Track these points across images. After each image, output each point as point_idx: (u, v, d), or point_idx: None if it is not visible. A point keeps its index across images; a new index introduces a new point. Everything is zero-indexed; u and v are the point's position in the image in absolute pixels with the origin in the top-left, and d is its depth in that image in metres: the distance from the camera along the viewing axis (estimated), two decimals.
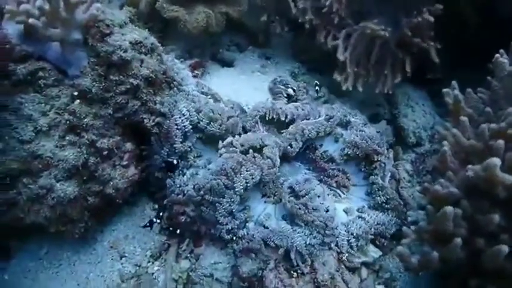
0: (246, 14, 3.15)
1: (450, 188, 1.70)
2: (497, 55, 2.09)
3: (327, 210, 2.06)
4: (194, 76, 2.87)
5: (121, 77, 1.80)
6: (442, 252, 1.61)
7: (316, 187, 2.18)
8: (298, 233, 2.01)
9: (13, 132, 1.72)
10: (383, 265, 2.14)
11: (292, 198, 2.06)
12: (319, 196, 2.11)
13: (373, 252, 2.11)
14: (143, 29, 2.90)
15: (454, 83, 2.18)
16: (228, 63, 3.29)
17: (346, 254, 2.03)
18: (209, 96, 2.46)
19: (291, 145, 2.25)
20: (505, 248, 1.42)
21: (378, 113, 2.93)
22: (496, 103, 2.03)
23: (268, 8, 3.10)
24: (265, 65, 3.29)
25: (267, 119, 2.36)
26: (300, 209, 2.02)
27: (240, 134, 2.27)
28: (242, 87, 2.99)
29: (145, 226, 2.25)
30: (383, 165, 2.33)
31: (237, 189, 1.97)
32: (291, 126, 2.30)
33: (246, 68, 3.25)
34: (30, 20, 1.64)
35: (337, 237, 2.06)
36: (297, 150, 2.28)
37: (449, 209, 1.57)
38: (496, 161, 1.48)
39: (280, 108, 2.35)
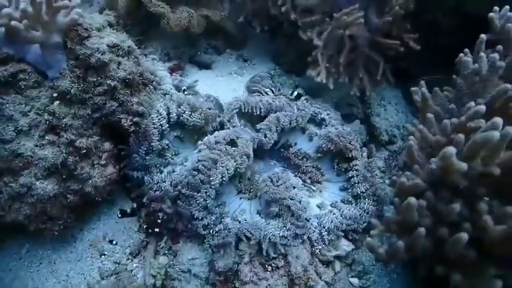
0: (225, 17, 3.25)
1: (415, 179, 1.81)
2: (461, 54, 2.21)
3: (300, 201, 2.15)
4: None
5: (99, 78, 1.87)
6: (408, 241, 1.72)
7: (292, 178, 2.29)
8: (271, 225, 2.09)
9: None
10: (356, 258, 2.24)
11: (270, 183, 2.15)
12: (294, 187, 2.22)
13: (346, 246, 2.21)
14: (122, 33, 3.03)
15: (422, 82, 2.29)
16: (206, 66, 3.37)
17: (319, 247, 2.12)
18: (187, 92, 2.55)
19: (265, 135, 2.33)
20: (464, 236, 1.51)
21: (351, 113, 3.04)
22: (460, 100, 2.14)
23: (246, 9, 3.18)
24: (242, 67, 3.38)
25: (243, 111, 2.45)
26: (277, 193, 2.10)
27: (217, 129, 2.38)
28: (220, 88, 3.06)
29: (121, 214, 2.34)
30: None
31: (212, 183, 2.05)
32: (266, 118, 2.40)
33: (224, 70, 3.34)
34: (13, 23, 1.70)
35: (310, 229, 2.15)
36: (272, 141, 2.36)
37: (412, 199, 1.66)
38: (452, 149, 1.58)
39: (255, 101, 2.44)
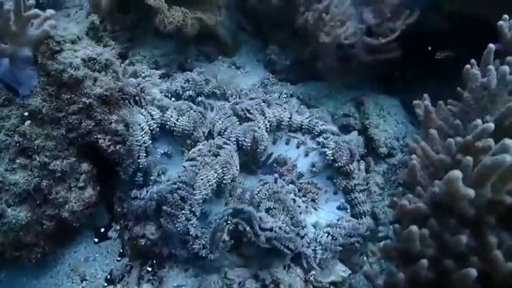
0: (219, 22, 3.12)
1: (418, 203, 1.67)
2: (467, 66, 2.08)
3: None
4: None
5: (73, 96, 1.73)
6: (409, 273, 1.57)
7: (288, 186, 2.17)
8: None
9: None
10: (353, 284, 2.10)
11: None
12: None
13: (342, 271, 2.07)
14: (102, 43, 2.89)
15: (425, 95, 2.18)
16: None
17: (313, 273, 1.98)
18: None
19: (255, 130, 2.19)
20: (473, 272, 1.37)
21: (349, 124, 2.90)
22: (466, 115, 2.03)
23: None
24: (234, 75, 3.22)
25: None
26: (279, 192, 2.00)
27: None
28: None
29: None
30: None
31: (196, 198, 1.91)
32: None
33: None
34: None
35: (304, 245, 2.02)
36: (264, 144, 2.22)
37: (414, 228, 1.53)
38: (457, 173, 1.43)
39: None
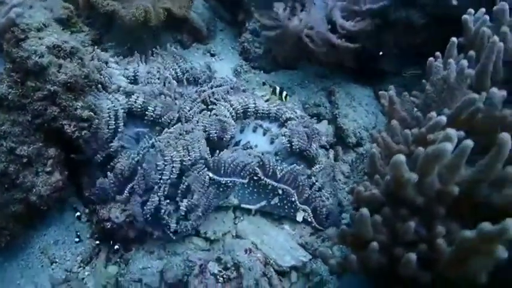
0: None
1: (373, 190, 1.75)
2: (431, 59, 2.17)
3: None
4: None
5: (38, 83, 1.78)
6: (361, 256, 1.66)
7: None
8: None
9: None
10: (314, 268, 2.19)
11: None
12: None
13: (303, 256, 2.16)
14: (82, 25, 2.92)
15: (391, 86, 2.25)
16: None
17: (274, 257, 2.07)
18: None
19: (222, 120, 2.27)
20: (413, 257, 1.46)
21: (319, 113, 2.98)
22: (428, 107, 2.09)
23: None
24: (209, 62, 3.26)
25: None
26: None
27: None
28: None
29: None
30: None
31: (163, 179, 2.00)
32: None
33: None
34: None
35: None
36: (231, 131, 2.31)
37: (364, 210, 1.60)
38: (401, 157, 1.50)
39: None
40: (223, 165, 2.10)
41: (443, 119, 1.64)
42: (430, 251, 1.51)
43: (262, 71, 3.21)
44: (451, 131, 1.42)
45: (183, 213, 2.02)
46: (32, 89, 1.79)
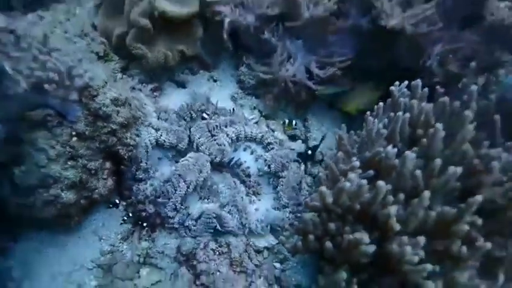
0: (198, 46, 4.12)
1: (315, 202, 2.79)
2: (367, 112, 2.85)
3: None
4: (154, 97, 3.90)
5: (104, 124, 2.80)
6: (304, 242, 2.71)
7: (241, 188, 3.30)
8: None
9: (32, 159, 2.70)
10: (280, 250, 3.23)
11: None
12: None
13: (272, 240, 3.23)
14: (113, 55, 3.89)
15: (343, 125, 3.04)
16: (182, 84, 4.18)
17: (253, 239, 3.14)
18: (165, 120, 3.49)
19: (222, 153, 3.31)
20: (329, 245, 2.48)
21: (295, 134, 3.98)
22: (361, 147, 2.80)
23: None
24: (212, 87, 4.16)
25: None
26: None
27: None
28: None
29: (112, 206, 3.29)
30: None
31: (179, 192, 3.04)
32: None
33: (197, 88, 4.15)
34: (46, 86, 2.60)
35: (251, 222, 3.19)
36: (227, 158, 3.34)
37: (307, 216, 2.64)
38: (324, 189, 2.52)
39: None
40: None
41: (357, 163, 2.62)
42: (341, 242, 2.56)
43: (254, 97, 4.14)
44: (352, 176, 2.45)
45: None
46: (100, 127, 2.82)
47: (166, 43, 3.89)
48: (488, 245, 2.13)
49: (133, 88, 3.75)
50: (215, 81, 4.31)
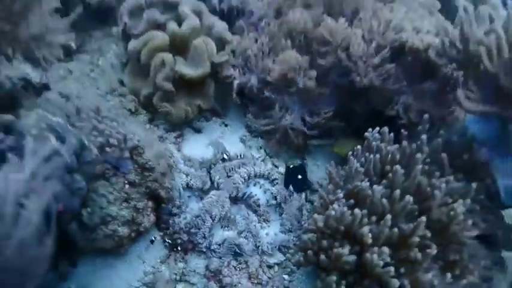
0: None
1: (311, 226, 3.67)
2: (350, 153, 3.43)
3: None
4: (177, 143, 4.81)
5: (150, 174, 3.70)
6: (305, 257, 3.58)
7: (253, 217, 4.19)
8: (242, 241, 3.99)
9: (96, 203, 3.59)
10: (287, 264, 3.98)
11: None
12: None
13: (281, 256, 4.10)
14: (140, 108, 4.83)
15: (332, 162, 3.67)
16: (198, 130, 5.05)
17: (266, 257, 4.02)
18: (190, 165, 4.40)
19: (237, 189, 4.20)
20: (323, 258, 3.35)
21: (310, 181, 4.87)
22: (346, 180, 3.39)
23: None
24: (224, 132, 5.02)
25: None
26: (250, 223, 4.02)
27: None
28: (207, 147, 4.85)
29: (151, 241, 4.16)
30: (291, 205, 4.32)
31: (207, 224, 3.93)
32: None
33: (211, 133, 5.04)
34: (107, 149, 3.51)
35: (262, 244, 4.06)
36: (241, 193, 4.23)
37: (304, 237, 3.52)
38: (318, 216, 3.45)
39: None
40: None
41: (340, 195, 3.43)
42: (331, 255, 3.41)
43: (260, 138, 4.99)
44: (336, 206, 3.35)
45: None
46: (146, 176, 3.72)
47: (185, 99, 4.82)
48: (434, 251, 3.01)
49: (160, 137, 4.69)
50: (226, 126, 5.21)
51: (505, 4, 5.11)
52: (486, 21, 4.35)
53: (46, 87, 4.04)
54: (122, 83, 5.19)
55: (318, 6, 4.50)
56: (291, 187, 4.43)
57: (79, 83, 5.02)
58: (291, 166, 4.64)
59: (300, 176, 4.58)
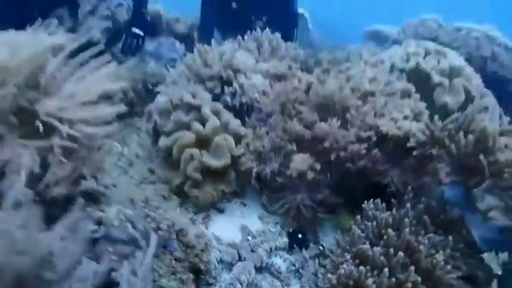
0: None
1: (325, 285, 4.50)
2: (352, 222, 3.90)
3: None
4: (205, 223, 5.71)
5: (192, 251, 4.59)
6: None
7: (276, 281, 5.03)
8: None
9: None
10: None
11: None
12: None
13: None
14: (172, 195, 5.79)
15: (339, 232, 4.29)
16: (221, 211, 5.83)
17: None
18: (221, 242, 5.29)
19: (261, 261, 5.07)
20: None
21: (309, 238, 5.74)
22: (352, 245, 3.76)
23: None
24: (243, 211, 5.85)
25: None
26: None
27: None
28: (231, 226, 5.76)
29: None
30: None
31: None
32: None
33: (232, 213, 5.83)
34: (160, 232, 4.43)
35: None
36: (264, 263, 5.08)
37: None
38: (331, 277, 4.32)
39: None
40: None
41: (348, 257, 3.90)
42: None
43: (276, 215, 5.88)
44: (345, 265, 4.22)
45: None
46: (189, 253, 4.61)
47: (211, 185, 5.78)
48: None
49: (190, 219, 5.64)
50: (245, 205, 6.04)
51: None
52: (461, 93, 5.52)
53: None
54: (151, 171, 6.18)
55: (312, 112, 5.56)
56: (304, 252, 5.31)
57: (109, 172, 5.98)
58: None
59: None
